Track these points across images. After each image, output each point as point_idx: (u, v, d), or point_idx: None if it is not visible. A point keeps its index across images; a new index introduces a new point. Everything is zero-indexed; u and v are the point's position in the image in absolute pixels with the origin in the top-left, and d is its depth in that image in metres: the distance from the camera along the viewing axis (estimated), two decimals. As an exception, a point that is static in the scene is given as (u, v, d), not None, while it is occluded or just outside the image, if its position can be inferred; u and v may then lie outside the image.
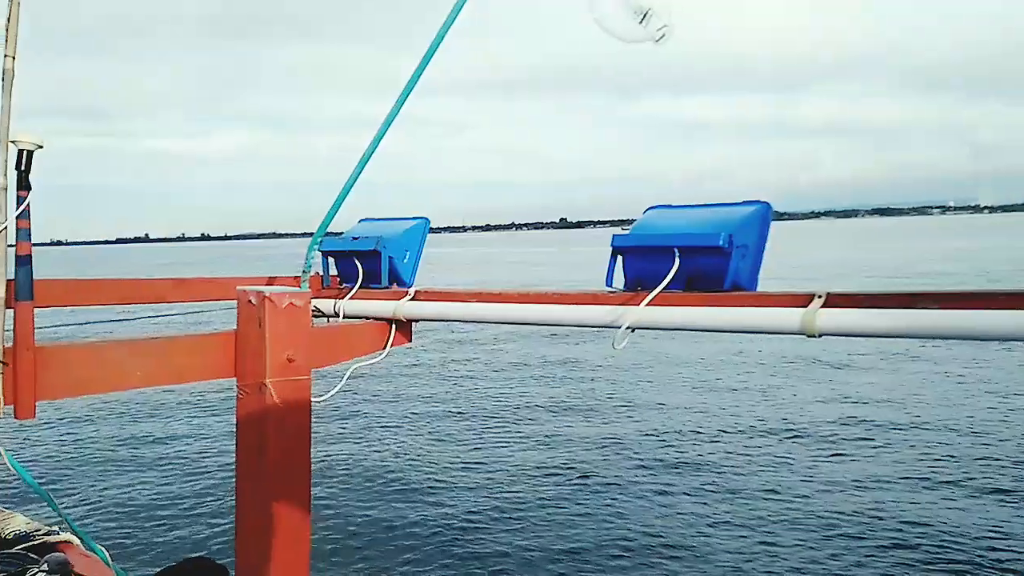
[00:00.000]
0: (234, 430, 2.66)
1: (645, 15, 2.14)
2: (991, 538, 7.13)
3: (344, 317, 3.12)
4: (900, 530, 7.36)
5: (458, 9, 2.54)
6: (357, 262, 3.23)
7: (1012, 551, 6.87)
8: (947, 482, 8.64)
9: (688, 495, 8.46)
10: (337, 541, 7.42)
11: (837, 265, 46.03)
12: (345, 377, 2.86)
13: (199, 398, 13.58)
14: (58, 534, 2.80)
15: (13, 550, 2.65)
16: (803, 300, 2.02)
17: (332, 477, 9.24)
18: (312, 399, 2.62)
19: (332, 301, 3.18)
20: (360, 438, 11.08)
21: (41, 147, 2.17)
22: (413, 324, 3.08)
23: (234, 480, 2.67)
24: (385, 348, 3.01)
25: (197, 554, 6.73)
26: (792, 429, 11.00)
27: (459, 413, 12.59)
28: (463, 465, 9.67)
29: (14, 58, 2.11)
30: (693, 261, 2.26)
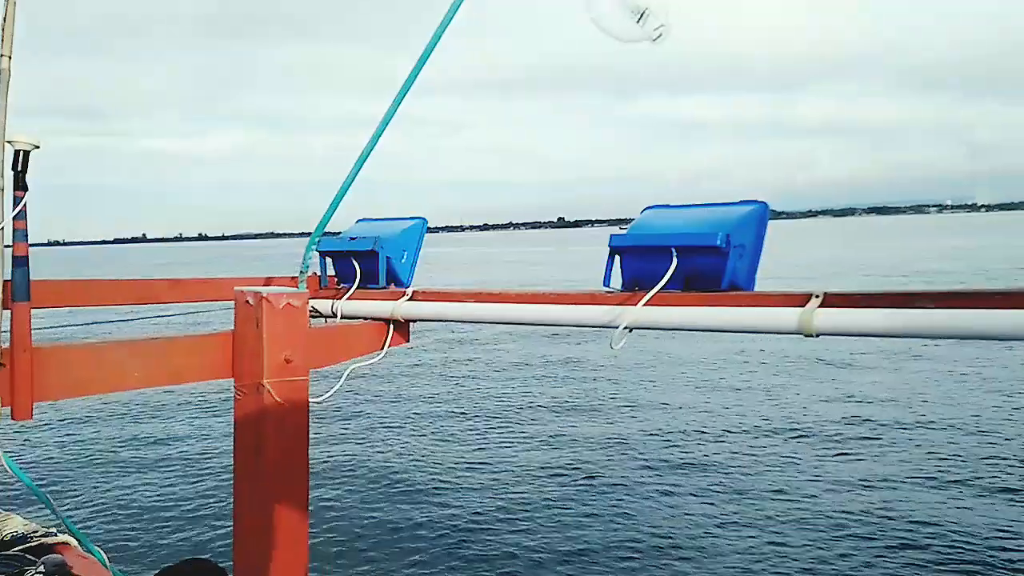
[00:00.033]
0: (232, 431, 2.66)
1: (642, 15, 2.14)
2: (999, 537, 7.10)
3: (342, 317, 3.12)
4: (908, 529, 7.33)
5: (455, 9, 2.54)
6: (355, 262, 3.23)
7: (1021, 551, 6.85)
8: (954, 481, 8.61)
9: (692, 495, 8.44)
10: (337, 542, 7.41)
11: (833, 264, 46.05)
12: (343, 377, 2.86)
13: (197, 399, 13.56)
14: (56, 536, 2.79)
15: (10, 552, 2.64)
16: (800, 300, 2.02)
17: (332, 478, 9.23)
18: (310, 399, 2.62)
19: (330, 301, 3.18)
20: (360, 439, 11.07)
21: (38, 147, 2.17)
22: (411, 324, 3.08)
23: (232, 481, 2.67)
24: (383, 348, 3.01)
25: (195, 555, 6.73)
26: (795, 428, 10.98)
27: (459, 413, 12.58)
28: (463, 465, 9.66)
29: (10, 57, 2.11)
30: (690, 261, 2.26)
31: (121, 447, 10.97)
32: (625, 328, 2.27)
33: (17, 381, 2.18)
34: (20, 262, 2.16)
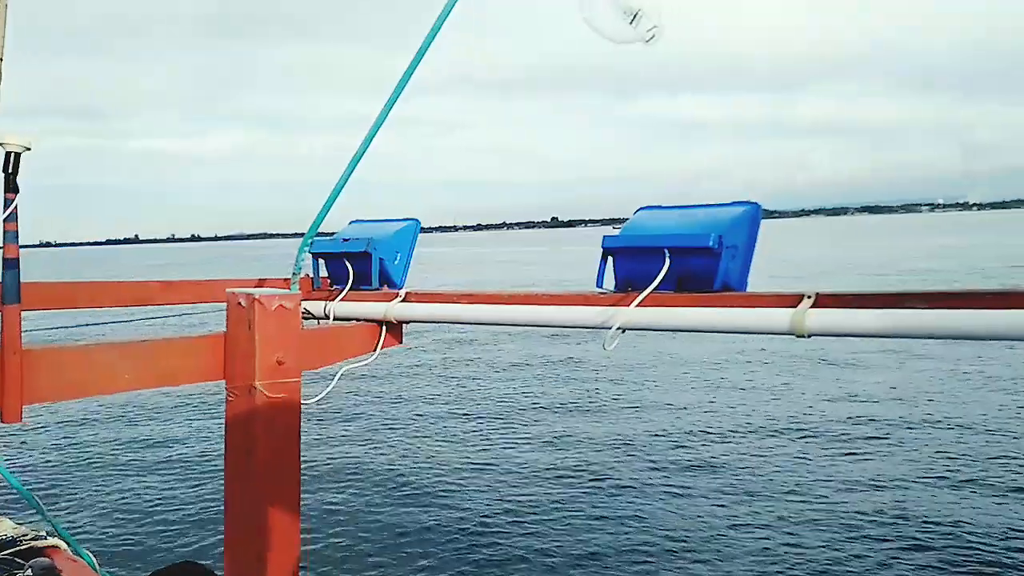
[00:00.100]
0: (223, 433, 2.65)
1: (635, 16, 2.14)
2: (1011, 536, 7.05)
3: (334, 319, 3.11)
4: (918, 529, 7.26)
5: (449, 9, 2.53)
6: (347, 264, 3.23)
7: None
8: (964, 480, 8.55)
9: (697, 495, 8.36)
10: (333, 545, 7.39)
11: (822, 263, 46.22)
12: (335, 379, 2.86)
13: (189, 401, 13.51)
14: (45, 539, 2.78)
15: (-1, 555, 2.63)
16: (792, 300, 2.03)
17: (327, 480, 9.20)
18: (302, 401, 2.62)
19: (322, 303, 3.18)
20: (355, 440, 11.04)
21: (29, 149, 2.16)
22: (404, 326, 3.08)
23: (223, 484, 2.66)
24: (376, 350, 3.01)
25: (186, 559, 6.71)
26: (799, 428, 10.92)
27: (454, 414, 12.56)
28: (460, 467, 9.65)
29: (1, 59, 2.10)
30: (683, 262, 2.27)
31: (112, 450, 10.92)
32: (618, 329, 2.27)
33: (7, 384, 2.17)
34: (11, 264, 2.15)
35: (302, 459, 2.65)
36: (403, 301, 2.96)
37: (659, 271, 2.26)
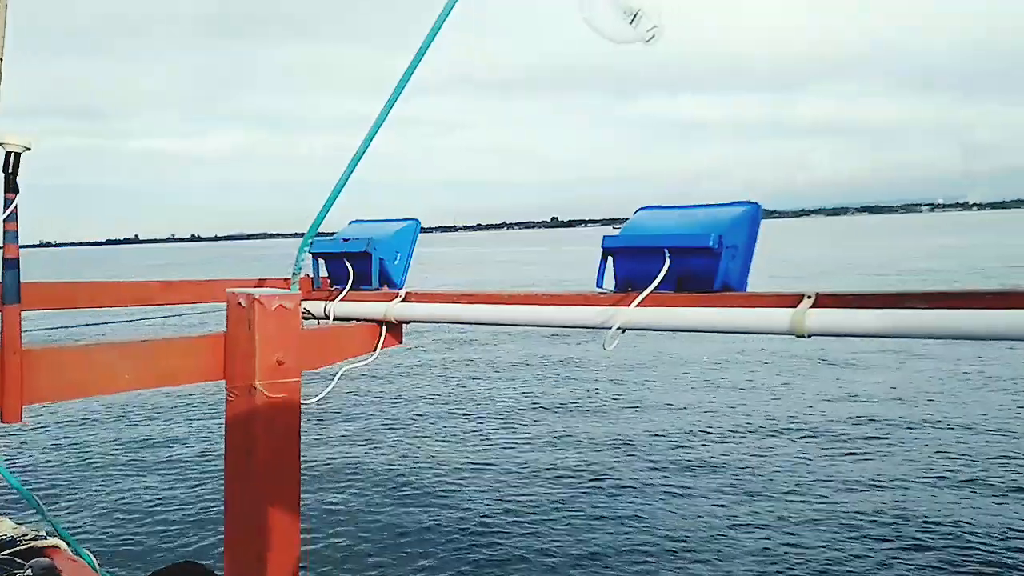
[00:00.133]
0: (223, 432, 2.65)
1: (635, 16, 2.14)
2: (1011, 537, 7.04)
3: (334, 319, 3.11)
4: (918, 529, 7.22)
5: (448, 10, 2.53)
6: (347, 264, 3.23)
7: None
8: (964, 480, 8.52)
9: (699, 495, 8.32)
10: (332, 544, 7.38)
11: (822, 263, 46.21)
12: (335, 379, 2.86)
13: (189, 401, 13.51)
14: (45, 539, 2.78)
15: (-1, 555, 2.63)
16: (792, 300, 2.03)
17: (327, 480, 9.19)
18: (302, 401, 2.62)
19: (322, 303, 3.18)
20: (357, 440, 11.03)
21: (29, 149, 2.16)
22: (404, 326, 3.08)
23: (223, 483, 2.66)
24: (376, 350, 3.01)
25: (186, 559, 6.71)
26: (801, 428, 10.88)
27: (455, 414, 12.55)
28: (460, 467, 9.64)
29: (1, 59, 2.10)
30: (683, 262, 2.27)
31: (112, 450, 10.92)
32: (618, 329, 2.27)
33: (7, 384, 2.17)
34: (11, 264, 2.15)
35: (302, 459, 2.65)
36: (403, 301, 2.97)
37: (659, 271, 2.26)
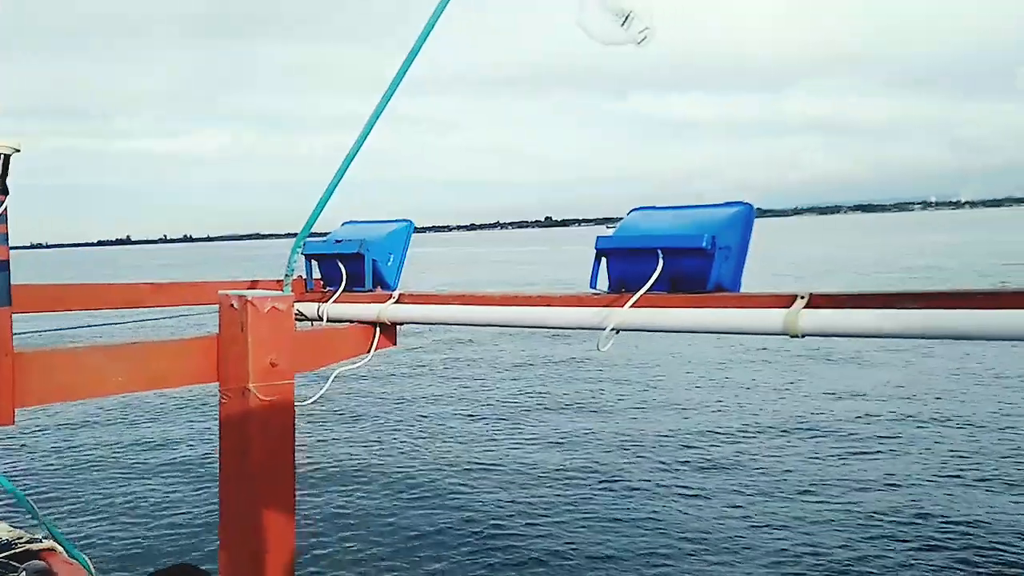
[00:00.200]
0: (218, 435, 2.65)
1: (627, 18, 2.14)
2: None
3: (328, 321, 3.11)
4: (931, 527, 7.15)
5: (439, 11, 2.53)
6: (340, 265, 3.22)
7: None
8: (979, 479, 8.47)
9: (704, 495, 8.24)
10: (327, 545, 7.36)
11: (816, 261, 46.30)
12: (329, 380, 2.85)
13: (184, 403, 13.46)
14: (40, 542, 2.77)
15: (-7, 559, 2.62)
16: (786, 301, 2.04)
17: (322, 481, 9.17)
18: (296, 403, 2.61)
19: (315, 304, 3.17)
20: (350, 441, 11.00)
21: (18, 151, 2.15)
22: (398, 327, 3.07)
23: (218, 485, 2.65)
24: (369, 351, 3.00)
25: (181, 561, 6.69)
26: (809, 426, 10.80)
27: (450, 415, 12.52)
28: (455, 468, 9.62)
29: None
30: (676, 262, 2.27)
31: (107, 452, 10.88)
32: (612, 330, 2.27)
33: (-2, 387, 2.16)
34: (1, 266, 2.15)
35: (296, 460, 2.65)
36: (396, 303, 2.96)
37: (653, 272, 2.26)
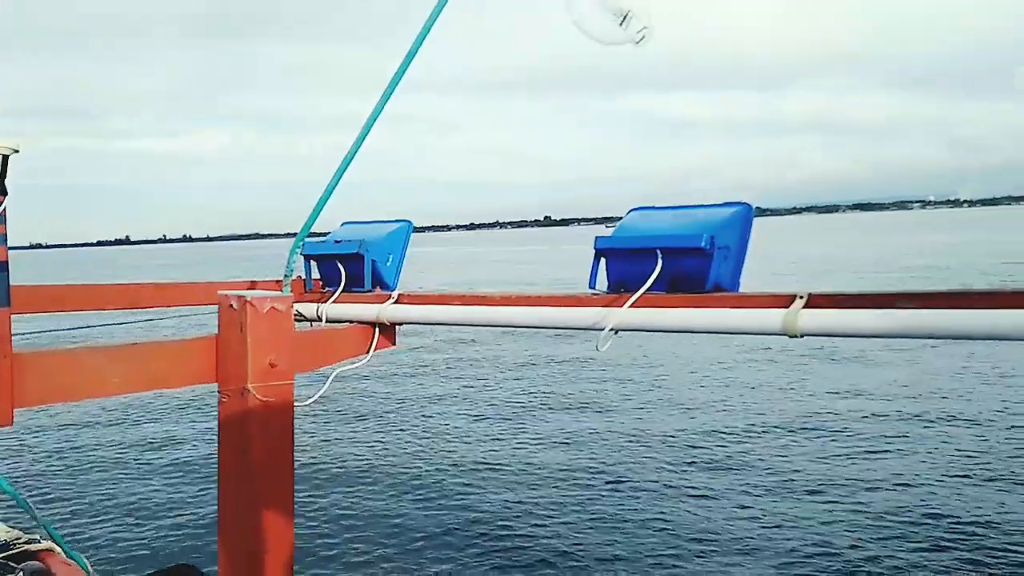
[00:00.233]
0: (216, 435, 2.65)
1: (625, 17, 2.14)
2: None
3: (327, 321, 3.10)
4: (943, 527, 7.16)
5: (437, 11, 2.53)
6: (340, 265, 3.22)
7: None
8: (986, 478, 8.44)
9: (712, 494, 8.24)
10: (326, 546, 7.36)
11: (815, 260, 46.29)
12: (328, 381, 2.85)
13: (183, 403, 13.45)
14: (39, 543, 2.77)
15: (-8, 559, 2.62)
16: (785, 301, 2.04)
17: (321, 481, 9.16)
18: (295, 403, 2.61)
19: (315, 305, 3.17)
20: (349, 441, 11.00)
21: (17, 151, 2.14)
22: (397, 327, 3.07)
23: (217, 486, 2.65)
24: (369, 352, 3.00)
25: (180, 562, 6.68)
26: (815, 425, 10.78)
27: (449, 415, 12.50)
28: (453, 467, 9.61)
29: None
30: (675, 262, 2.27)
31: (105, 452, 10.87)
32: (611, 330, 2.27)
33: (-3, 388, 2.16)
34: (0, 267, 2.14)
35: (296, 461, 2.65)
36: (396, 303, 2.96)
37: (652, 272, 2.26)
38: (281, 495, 2.58)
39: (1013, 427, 10.44)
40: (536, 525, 7.68)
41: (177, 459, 10.41)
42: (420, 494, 8.67)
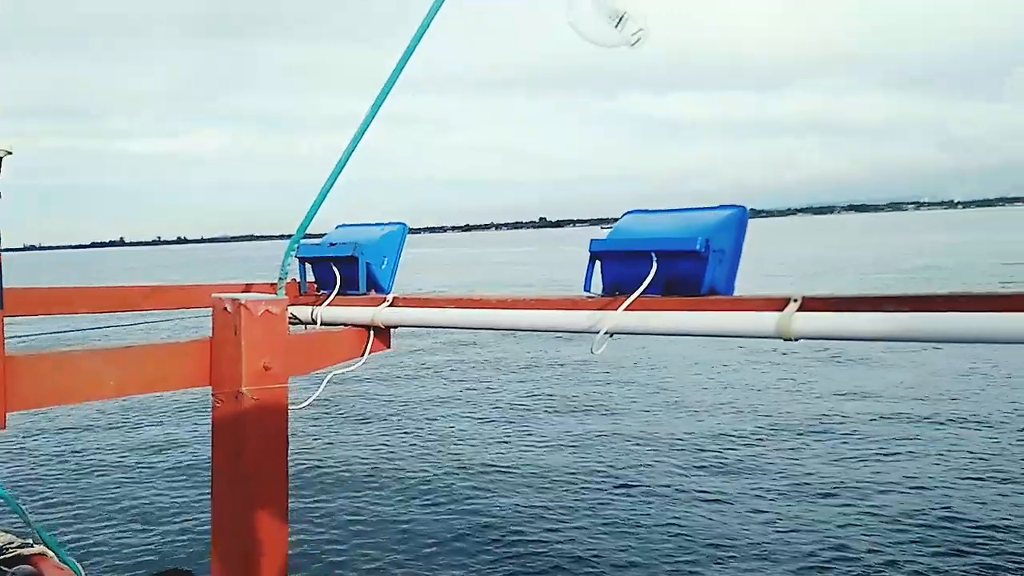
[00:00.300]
0: (210, 439, 2.64)
1: (620, 19, 2.14)
2: None
3: (322, 324, 3.10)
4: (958, 530, 7.13)
5: (434, 11, 2.52)
6: (334, 268, 3.21)
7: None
8: (1001, 480, 8.40)
9: (722, 498, 8.18)
10: (320, 549, 7.33)
11: (811, 262, 46.36)
12: (323, 384, 2.85)
13: (177, 407, 13.40)
14: (31, 547, 2.75)
15: (-16, 564, 2.60)
16: (779, 304, 2.04)
17: (315, 485, 9.13)
18: (290, 407, 2.60)
19: (309, 308, 3.16)
20: (344, 445, 10.96)
21: (10, 153, 2.13)
22: (392, 330, 3.07)
23: (211, 489, 2.64)
24: (364, 355, 3.00)
25: (174, 567, 6.66)
26: (824, 427, 10.75)
27: (445, 417, 12.44)
28: (449, 470, 9.57)
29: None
30: (670, 266, 2.27)
31: (99, 456, 10.82)
32: (606, 333, 2.27)
33: (-10, 391, 2.15)
34: (-8, 270, 2.13)
35: (290, 464, 2.64)
36: (391, 306, 2.95)
37: (646, 275, 2.26)
38: (275, 499, 2.57)
39: (1022, 429, 10.41)
40: (548, 530, 7.57)
41: (171, 463, 10.37)
42: (423, 498, 8.62)
